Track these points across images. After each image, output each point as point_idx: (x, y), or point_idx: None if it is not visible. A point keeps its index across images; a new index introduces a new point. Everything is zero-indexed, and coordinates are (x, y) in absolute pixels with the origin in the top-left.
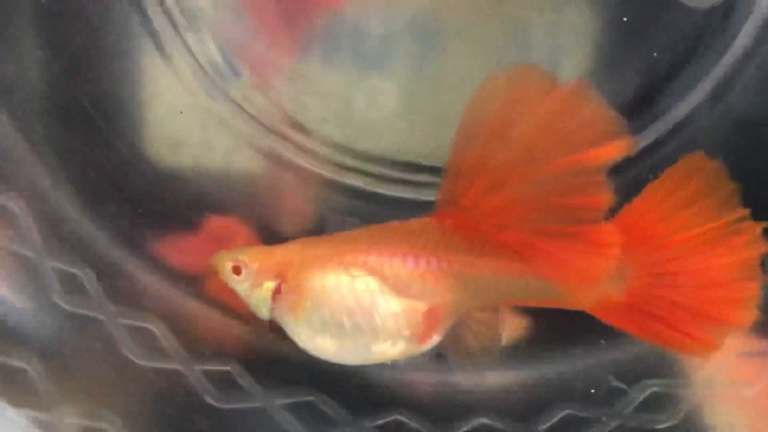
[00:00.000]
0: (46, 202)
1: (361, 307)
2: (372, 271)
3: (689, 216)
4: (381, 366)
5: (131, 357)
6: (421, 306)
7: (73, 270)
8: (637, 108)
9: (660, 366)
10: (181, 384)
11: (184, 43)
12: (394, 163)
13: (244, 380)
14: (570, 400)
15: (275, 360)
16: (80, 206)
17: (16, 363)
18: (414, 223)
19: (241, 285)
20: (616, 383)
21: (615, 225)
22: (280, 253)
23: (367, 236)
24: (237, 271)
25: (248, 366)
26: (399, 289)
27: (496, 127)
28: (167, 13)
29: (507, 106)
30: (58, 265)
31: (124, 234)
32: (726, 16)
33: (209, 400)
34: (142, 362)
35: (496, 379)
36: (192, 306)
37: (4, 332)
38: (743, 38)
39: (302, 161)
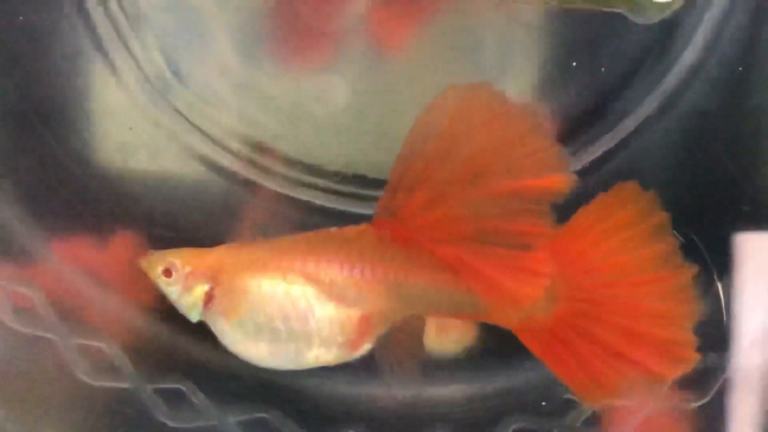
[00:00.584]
0: None
1: (297, 313)
2: (308, 277)
3: (620, 242)
4: (336, 381)
5: (82, 377)
6: (354, 313)
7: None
8: (587, 121)
9: None
10: (133, 403)
11: (130, 52)
12: (344, 178)
13: (197, 398)
14: (522, 412)
15: (228, 376)
16: (28, 221)
17: None
18: (350, 230)
19: (171, 288)
20: (567, 395)
21: (547, 250)
22: (213, 256)
23: (303, 242)
24: (168, 274)
25: (201, 383)
26: (334, 295)
27: (443, 143)
28: (111, 19)
29: (456, 123)
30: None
31: (72, 252)
32: (673, 31)
33: (162, 418)
34: (93, 382)
35: (453, 391)
36: (141, 324)
37: None
38: (690, 52)
39: (252, 175)
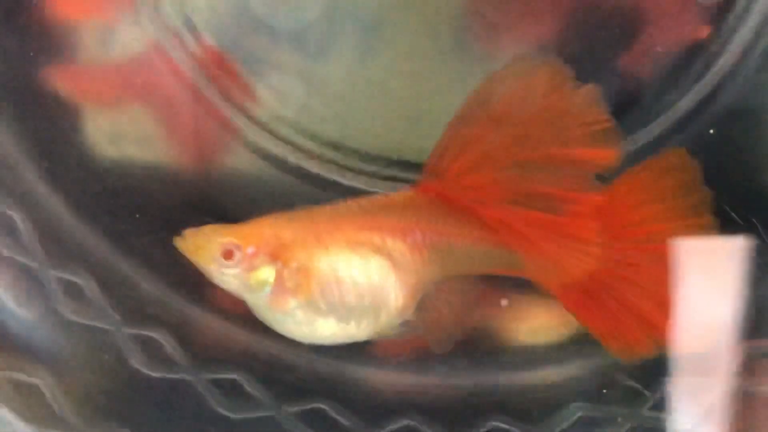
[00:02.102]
0: (42, 208)
1: (371, 287)
2: (377, 249)
3: (659, 210)
4: (390, 370)
5: (139, 367)
6: (411, 279)
7: (75, 279)
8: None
9: None
10: (190, 393)
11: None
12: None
13: (253, 388)
14: (585, 400)
15: (284, 367)
16: (77, 213)
17: (25, 377)
18: (398, 196)
19: (231, 271)
20: (630, 382)
21: (595, 220)
22: (270, 231)
23: (354, 210)
24: (229, 255)
25: (256, 374)
26: (398, 264)
27: (499, 109)
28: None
29: (516, 91)
30: (61, 274)
31: (124, 240)
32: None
33: (219, 409)
34: (150, 372)
35: (510, 380)
36: (196, 313)
37: (11, 344)
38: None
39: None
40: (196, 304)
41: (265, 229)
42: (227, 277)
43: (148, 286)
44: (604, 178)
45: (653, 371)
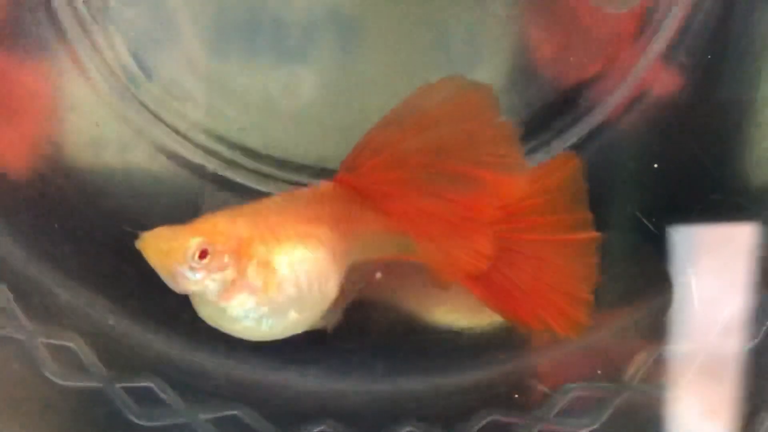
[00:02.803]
0: None
1: (319, 278)
2: (320, 240)
3: (542, 202)
4: (306, 377)
5: (51, 377)
6: (342, 267)
7: None
8: (558, 111)
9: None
10: (102, 402)
11: (95, 46)
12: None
13: (167, 396)
14: (495, 405)
15: (198, 373)
16: None
17: None
18: (322, 188)
19: (200, 272)
20: (543, 388)
21: (491, 230)
22: (227, 228)
23: (292, 203)
24: (204, 255)
25: (170, 381)
26: (333, 253)
27: (422, 121)
28: (76, 13)
29: (440, 109)
30: None
31: (40, 248)
32: (643, 20)
33: (132, 417)
34: (62, 382)
35: (424, 385)
36: (110, 321)
37: None
38: (660, 41)
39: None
40: (109, 312)
41: (223, 225)
42: (194, 278)
43: (64, 294)
44: None
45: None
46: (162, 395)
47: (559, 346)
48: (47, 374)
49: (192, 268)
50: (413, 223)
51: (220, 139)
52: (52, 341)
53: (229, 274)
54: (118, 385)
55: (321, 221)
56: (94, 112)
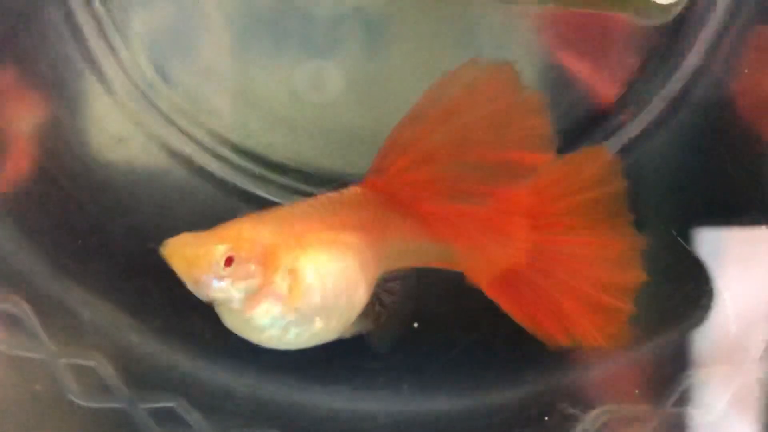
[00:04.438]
0: None
1: (348, 285)
2: (347, 247)
3: (578, 202)
4: (333, 397)
5: (73, 397)
6: (371, 275)
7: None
8: (590, 124)
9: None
10: (125, 423)
11: (117, 58)
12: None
13: (190, 416)
14: (524, 427)
15: (222, 394)
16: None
17: None
18: (349, 193)
19: (225, 280)
20: (571, 410)
21: (525, 216)
22: (252, 235)
23: (318, 209)
24: (230, 262)
25: (193, 401)
26: (361, 261)
27: (446, 110)
28: (98, 24)
29: (465, 94)
30: None
31: (63, 266)
32: (676, 34)
33: None
34: (84, 402)
35: (450, 406)
36: (135, 341)
37: None
38: (695, 55)
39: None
40: (134, 332)
41: (248, 232)
42: (221, 285)
43: (87, 313)
44: None
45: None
46: (185, 416)
47: (593, 366)
48: (70, 395)
49: (218, 276)
50: (446, 224)
51: (247, 152)
52: (74, 361)
53: (255, 282)
54: (141, 406)
55: (349, 227)
56: (118, 126)
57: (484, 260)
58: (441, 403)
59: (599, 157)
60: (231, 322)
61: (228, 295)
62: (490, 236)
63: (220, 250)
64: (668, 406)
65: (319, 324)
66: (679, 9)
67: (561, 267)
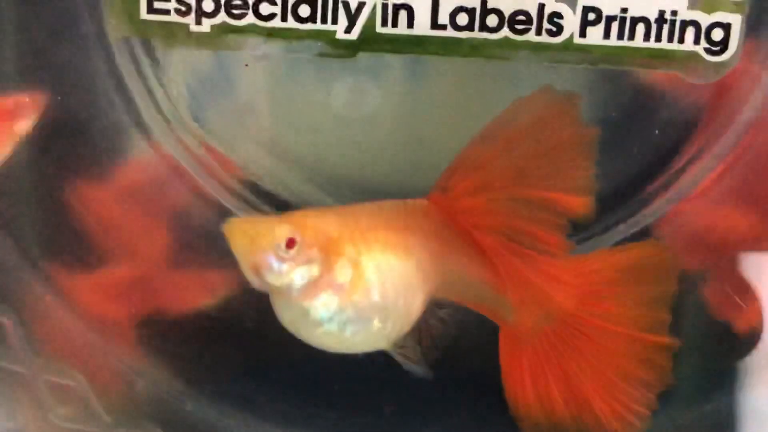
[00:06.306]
0: None
1: (406, 291)
2: (410, 252)
3: (622, 294)
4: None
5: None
6: (428, 288)
7: None
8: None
9: None
10: None
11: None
12: None
13: None
14: None
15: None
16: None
17: None
18: (414, 204)
19: (285, 263)
20: None
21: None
22: (317, 223)
23: (384, 212)
24: (292, 244)
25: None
26: (421, 270)
27: (513, 136)
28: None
29: (534, 122)
30: None
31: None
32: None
33: None
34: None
35: None
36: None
37: None
38: (748, 110)
39: None
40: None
41: (312, 221)
42: (281, 269)
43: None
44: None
45: None
46: None
47: None
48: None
49: (278, 257)
50: (502, 260)
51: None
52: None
53: (315, 269)
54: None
55: (413, 233)
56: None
57: (535, 312)
58: None
59: (656, 252)
60: (287, 314)
61: (287, 280)
62: (542, 276)
63: (284, 230)
64: None
65: (377, 324)
66: (731, 66)
67: (591, 349)
